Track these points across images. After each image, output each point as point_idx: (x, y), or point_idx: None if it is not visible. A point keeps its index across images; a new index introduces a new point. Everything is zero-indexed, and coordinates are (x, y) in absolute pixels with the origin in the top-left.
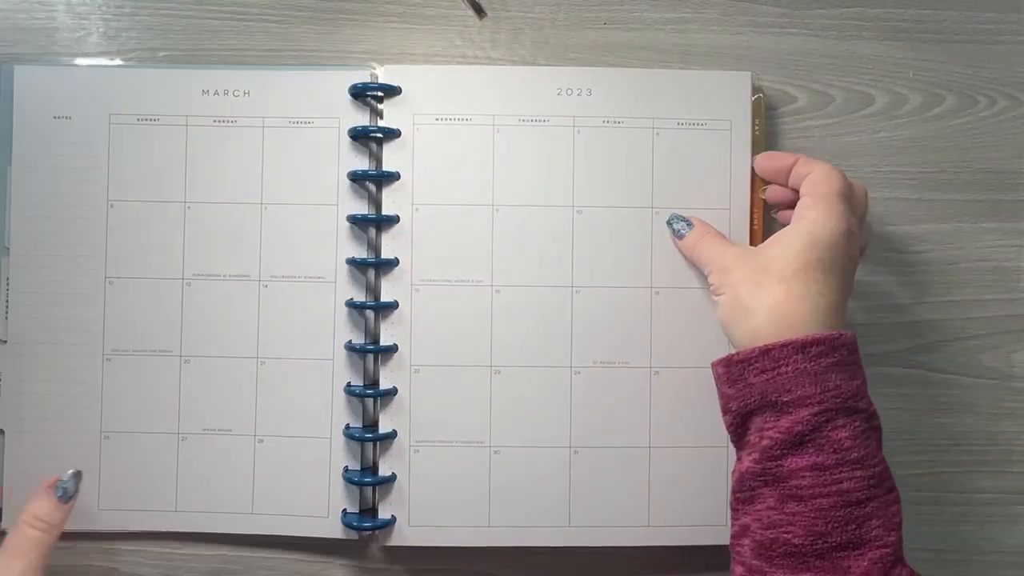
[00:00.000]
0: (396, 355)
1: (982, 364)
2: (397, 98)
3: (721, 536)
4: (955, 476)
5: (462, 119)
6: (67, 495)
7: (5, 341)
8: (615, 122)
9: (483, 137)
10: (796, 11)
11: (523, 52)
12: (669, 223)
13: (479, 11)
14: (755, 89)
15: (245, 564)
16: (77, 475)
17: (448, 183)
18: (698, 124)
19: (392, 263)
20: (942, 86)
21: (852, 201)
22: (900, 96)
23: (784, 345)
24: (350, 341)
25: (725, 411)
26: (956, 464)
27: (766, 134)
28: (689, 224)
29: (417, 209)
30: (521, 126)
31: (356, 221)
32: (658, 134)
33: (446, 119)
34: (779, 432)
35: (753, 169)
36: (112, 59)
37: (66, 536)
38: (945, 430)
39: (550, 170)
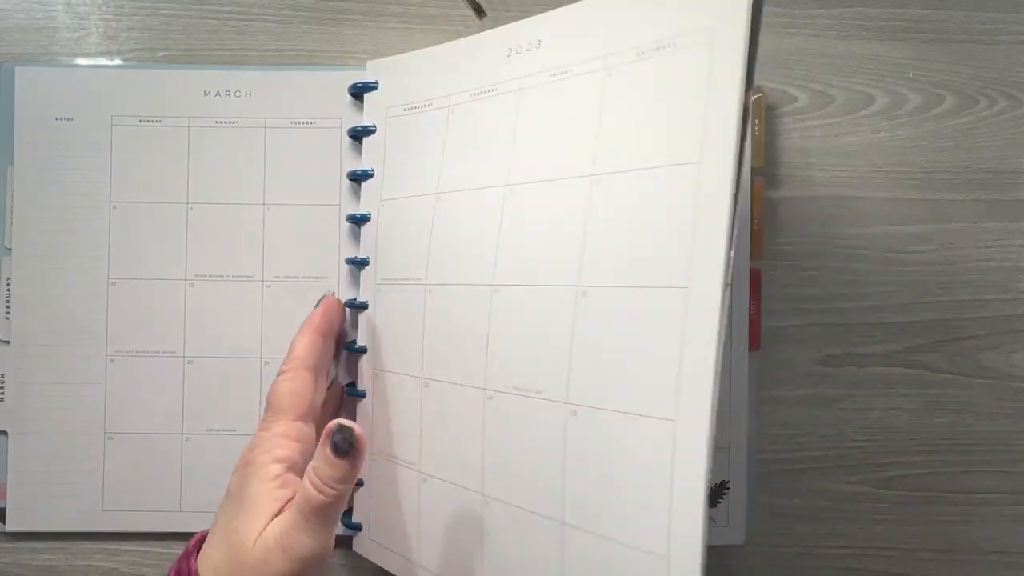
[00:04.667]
0: None
1: (982, 364)
2: (374, 93)
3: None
4: (955, 476)
5: (424, 105)
6: (337, 448)
7: (8, 342)
8: (561, 73)
9: (438, 122)
10: (796, 11)
11: None
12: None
13: (479, 11)
14: (755, 89)
15: None
16: (344, 431)
17: (409, 177)
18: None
19: None
20: (942, 86)
21: None
22: (900, 96)
23: None
24: (352, 342)
25: None
26: (956, 464)
27: (766, 134)
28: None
29: (383, 205)
30: (472, 101)
31: (354, 221)
32: (610, 75)
33: (412, 108)
34: None
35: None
36: (112, 59)
37: (67, 537)
38: (945, 430)
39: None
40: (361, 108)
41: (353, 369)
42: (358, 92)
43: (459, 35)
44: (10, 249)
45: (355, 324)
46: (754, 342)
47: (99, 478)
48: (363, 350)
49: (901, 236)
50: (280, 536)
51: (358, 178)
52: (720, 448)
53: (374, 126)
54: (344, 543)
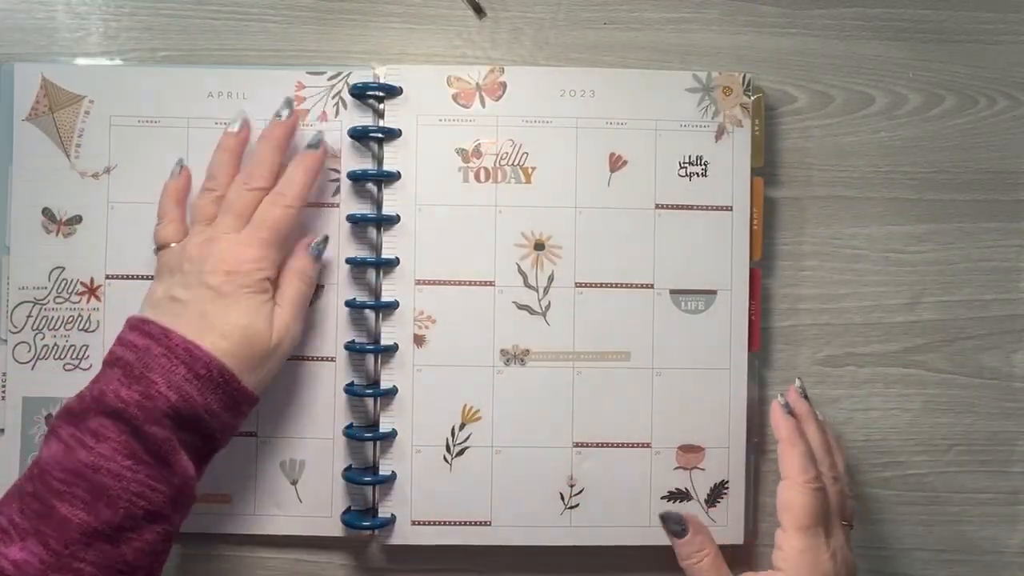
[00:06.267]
0: (397, 355)
1: (982, 364)
2: (400, 98)
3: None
4: (955, 476)
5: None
6: (319, 254)
7: (5, 340)
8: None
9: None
10: (796, 11)
11: (523, 52)
12: (664, 519)
13: (479, 11)
14: (755, 89)
15: (245, 564)
16: (326, 239)
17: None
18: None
19: (392, 263)
20: (942, 86)
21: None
22: (900, 96)
23: None
24: (351, 341)
25: None
26: (956, 464)
27: (766, 134)
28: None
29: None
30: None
31: (356, 221)
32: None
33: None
34: None
35: (753, 169)
36: (112, 59)
37: None
38: (945, 430)
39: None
40: (362, 109)
41: (375, 368)
42: (360, 93)
43: (459, 36)
44: (8, 248)
45: (365, 324)
46: (754, 343)
47: None
48: (395, 348)
49: (901, 236)
50: (286, 326)
51: (373, 179)
52: (719, 448)
53: (399, 130)
54: (349, 549)
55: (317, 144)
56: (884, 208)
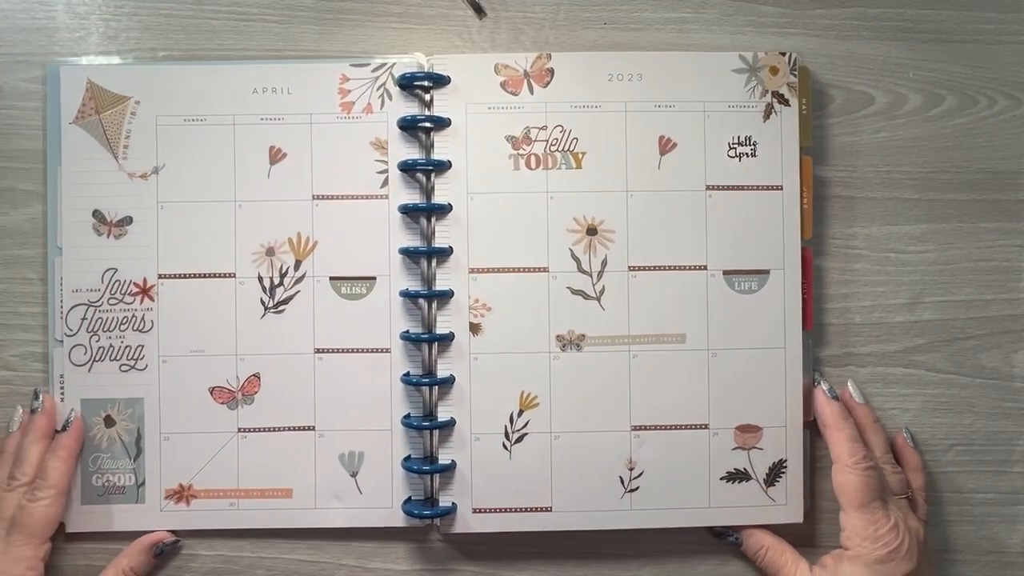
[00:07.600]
0: (453, 343)
1: (982, 364)
2: (448, 87)
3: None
4: (955, 476)
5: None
6: None
7: (61, 342)
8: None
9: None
10: (796, 11)
11: (523, 52)
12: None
13: (479, 11)
14: (801, 69)
15: (244, 564)
16: None
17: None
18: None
19: (446, 251)
20: (942, 86)
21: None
22: (900, 96)
23: None
24: (406, 331)
25: None
26: (956, 464)
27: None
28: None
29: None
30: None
31: (408, 211)
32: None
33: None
34: None
35: (802, 148)
36: (113, 59)
37: (70, 538)
38: (945, 430)
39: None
40: (409, 99)
41: (431, 358)
42: (408, 83)
43: (459, 35)
44: (61, 248)
45: (420, 313)
46: (807, 321)
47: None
48: (451, 336)
49: (901, 236)
50: None
51: (423, 168)
52: (777, 427)
53: (448, 119)
54: (409, 538)
55: (68, 425)
56: (884, 208)
